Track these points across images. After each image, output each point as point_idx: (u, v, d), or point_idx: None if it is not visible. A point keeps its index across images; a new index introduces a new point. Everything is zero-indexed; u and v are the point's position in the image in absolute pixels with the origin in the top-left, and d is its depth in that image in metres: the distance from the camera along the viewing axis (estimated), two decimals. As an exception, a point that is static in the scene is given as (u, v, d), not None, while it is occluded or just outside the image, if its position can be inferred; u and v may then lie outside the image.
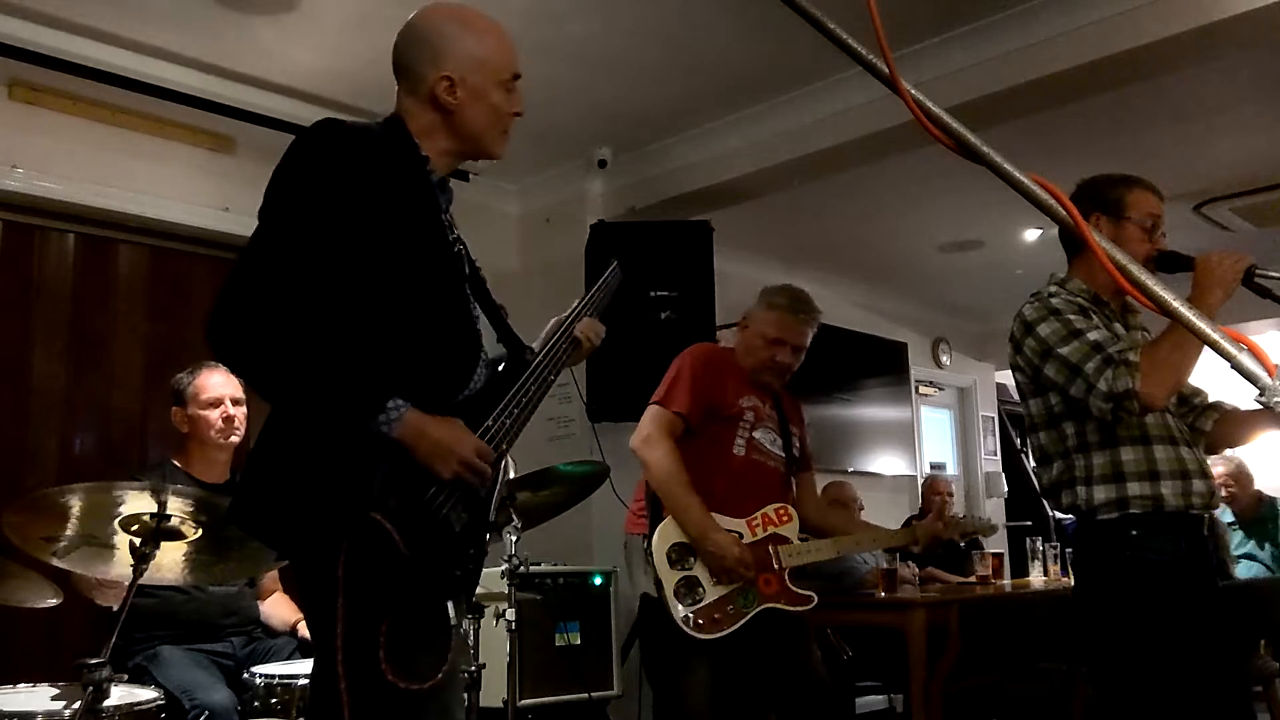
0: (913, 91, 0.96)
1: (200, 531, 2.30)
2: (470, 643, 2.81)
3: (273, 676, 2.62)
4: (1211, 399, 2.47)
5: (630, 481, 3.59)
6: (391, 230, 1.57)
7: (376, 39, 3.31)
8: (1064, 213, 0.93)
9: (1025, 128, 3.89)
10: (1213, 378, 2.01)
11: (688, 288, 4.31)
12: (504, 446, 1.68)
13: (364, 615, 1.48)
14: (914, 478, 6.95)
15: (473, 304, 1.74)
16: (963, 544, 5.48)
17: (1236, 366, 0.85)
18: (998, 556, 5.06)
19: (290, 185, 1.56)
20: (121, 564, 2.23)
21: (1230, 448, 2.50)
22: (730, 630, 2.86)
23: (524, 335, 1.89)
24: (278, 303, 1.49)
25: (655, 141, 4.55)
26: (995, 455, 8.15)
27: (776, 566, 2.97)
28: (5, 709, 2.23)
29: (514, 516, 2.87)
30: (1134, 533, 2.21)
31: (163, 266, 4.02)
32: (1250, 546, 5.11)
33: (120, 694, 2.30)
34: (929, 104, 0.97)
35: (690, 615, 2.84)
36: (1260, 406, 0.84)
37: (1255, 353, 0.84)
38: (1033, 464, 2.56)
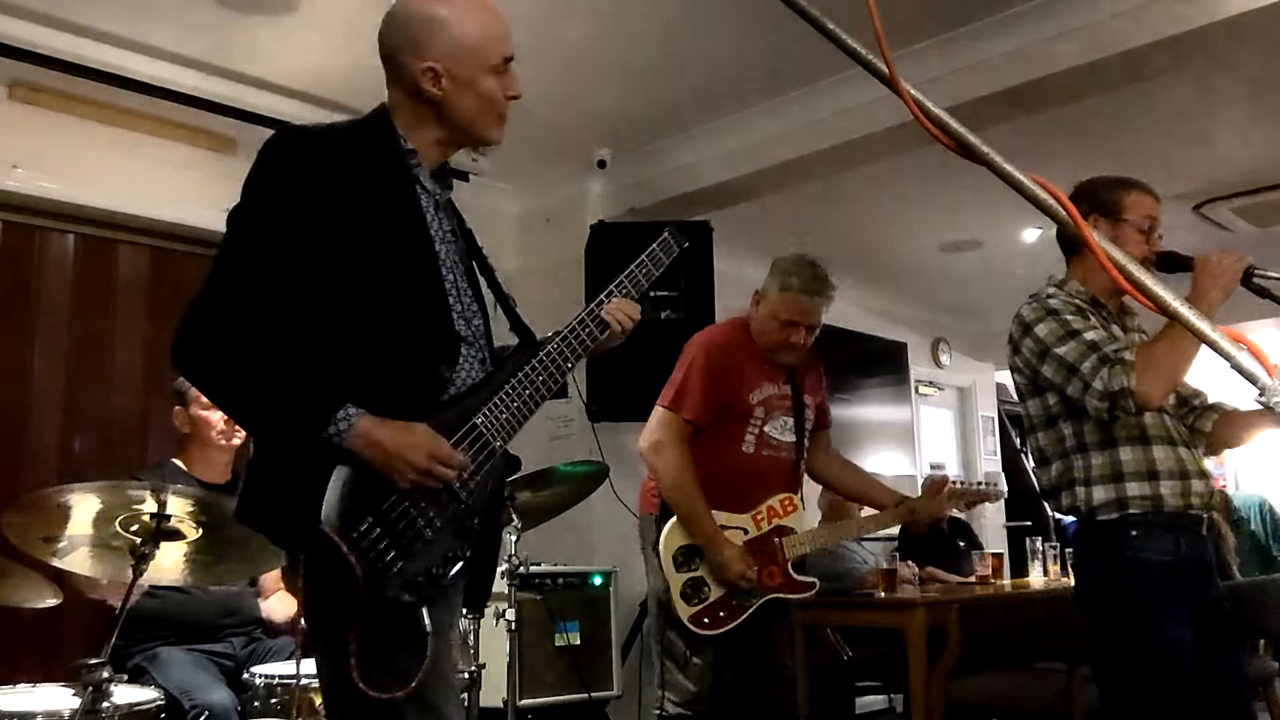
0: (913, 91, 0.96)
1: (200, 531, 2.30)
2: (470, 643, 2.82)
3: (273, 676, 2.62)
4: (1211, 400, 2.47)
5: (630, 481, 3.59)
6: (350, 232, 1.54)
7: (376, 39, 3.29)
8: (1063, 213, 0.93)
9: (1025, 128, 3.89)
10: (1212, 379, 2.02)
11: (688, 288, 4.31)
12: (496, 442, 1.63)
13: (327, 625, 1.50)
14: (914, 478, 6.95)
15: (461, 295, 1.68)
16: (962, 544, 5.49)
17: (1236, 366, 0.85)
18: (998, 556, 5.06)
19: (242, 203, 1.57)
20: (121, 564, 2.23)
21: (1230, 448, 2.50)
22: (734, 625, 2.89)
23: (524, 336, 1.86)
24: (225, 324, 1.50)
25: (655, 141, 4.54)
26: (995, 455, 8.15)
27: (781, 558, 2.98)
28: (5, 709, 2.24)
29: (514, 516, 2.88)
30: (1134, 533, 2.21)
31: (163, 267, 4.02)
32: None
33: (120, 694, 2.30)
34: (929, 104, 0.97)
35: (696, 614, 2.87)
36: (1260, 406, 0.84)
37: (1254, 353, 0.84)
38: (1032, 465, 2.56)
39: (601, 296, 1.83)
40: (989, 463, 8.06)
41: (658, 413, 2.96)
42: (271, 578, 3.20)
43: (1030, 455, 2.50)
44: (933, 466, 7.49)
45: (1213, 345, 0.86)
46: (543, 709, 3.62)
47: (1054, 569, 5.11)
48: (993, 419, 8.23)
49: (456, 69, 1.63)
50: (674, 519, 2.92)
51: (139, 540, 2.20)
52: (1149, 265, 2.24)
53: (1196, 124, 4.31)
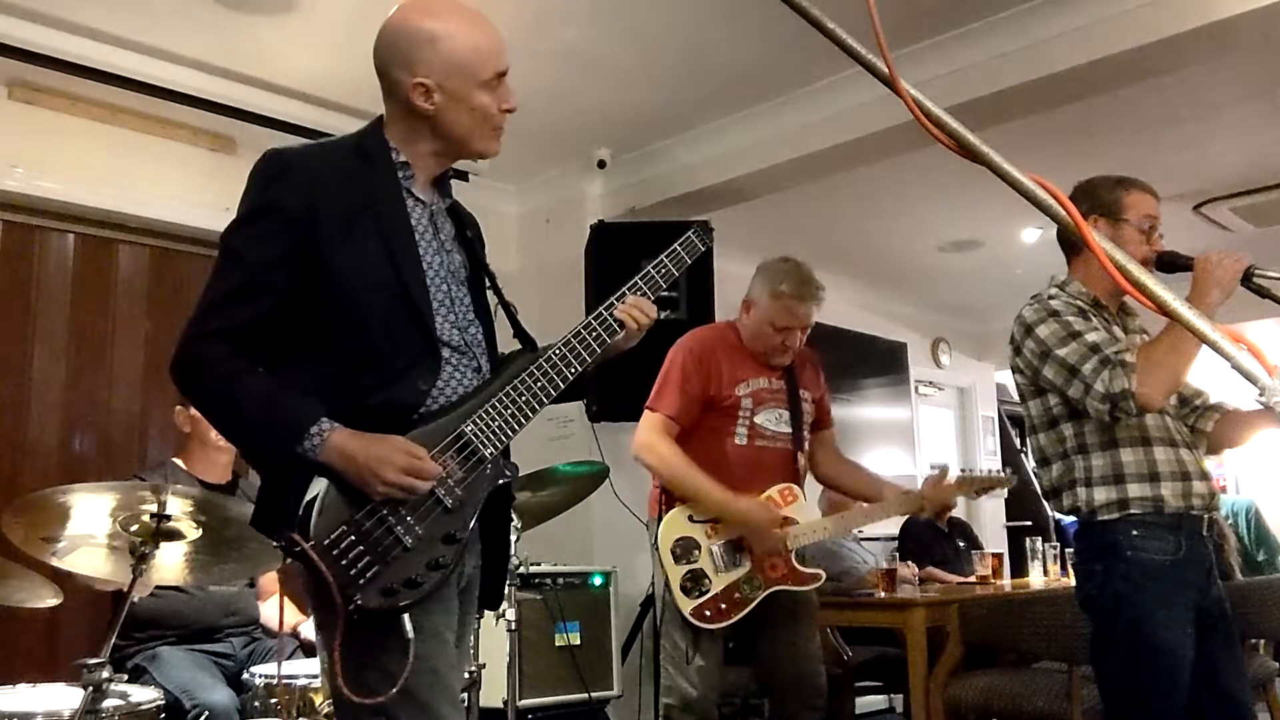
0: (912, 91, 0.96)
1: (200, 531, 2.30)
2: (470, 643, 2.81)
3: (273, 676, 2.62)
4: (1213, 400, 2.47)
5: (630, 481, 3.59)
6: (328, 248, 1.57)
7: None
8: (1063, 213, 0.93)
9: (1025, 128, 3.88)
10: (1211, 378, 2.02)
11: (688, 288, 4.31)
12: (487, 450, 1.63)
13: (320, 630, 1.59)
14: (914, 477, 6.95)
15: (455, 304, 1.68)
16: (962, 544, 5.49)
17: (1236, 366, 0.85)
18: (998, 556, 5.06)
19: (232, 222, 1.62)
20: (121, 564, 2.23)
21: (1230, 448, 2.50)
22: (738, 618, 2.89)
23: (525, 337, 1.85)
24: (208, 346, 1.55)
25: (655, 142, 4.54)
26: (995, 455, 8.15)
27: (784, 549, 2.96)
28: (5, 709, 2.24)
29: (514, 516, 2.88)
30: (1134, 533, 2.21)
31: (163, 267, 4.02)
32: None
33: (120, 694, 2.30)
34: (929, 104, 0.97)
35: (697, 608, 2.87)
36: (1260, 406, 0.84)
37: (1254, 353, 0.84)
38: (1033, 465, 2.56)
39: (622, 292, 1.80)
40: (989, 462, 8.05)
41: (644, 416, 3.00)
42: (270, 579, 3.20)
43: (1031, 455, 2.50)
44: (933, 466, 7.47)
45: (1213, 345, 0.85)
46: (543, 709, 3.62)
47: (1054, 569, 5.10)
48: (993, 419, 8.23)
49: (448, 84, 1.63)
50: (670, 513, 2.92)
51: (139, 540, 2.20)
52: (1149, 265, 2.23)
53: (1196, 124, 4.31)
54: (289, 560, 1.54)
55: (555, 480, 3.12)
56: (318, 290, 1.57)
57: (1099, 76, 3.48)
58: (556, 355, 1.73)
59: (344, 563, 1.49)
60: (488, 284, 1.79)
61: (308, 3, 3.35)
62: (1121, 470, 2.24)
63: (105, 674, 2.06)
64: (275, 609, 3.17)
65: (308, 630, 3.00)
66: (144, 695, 2.43)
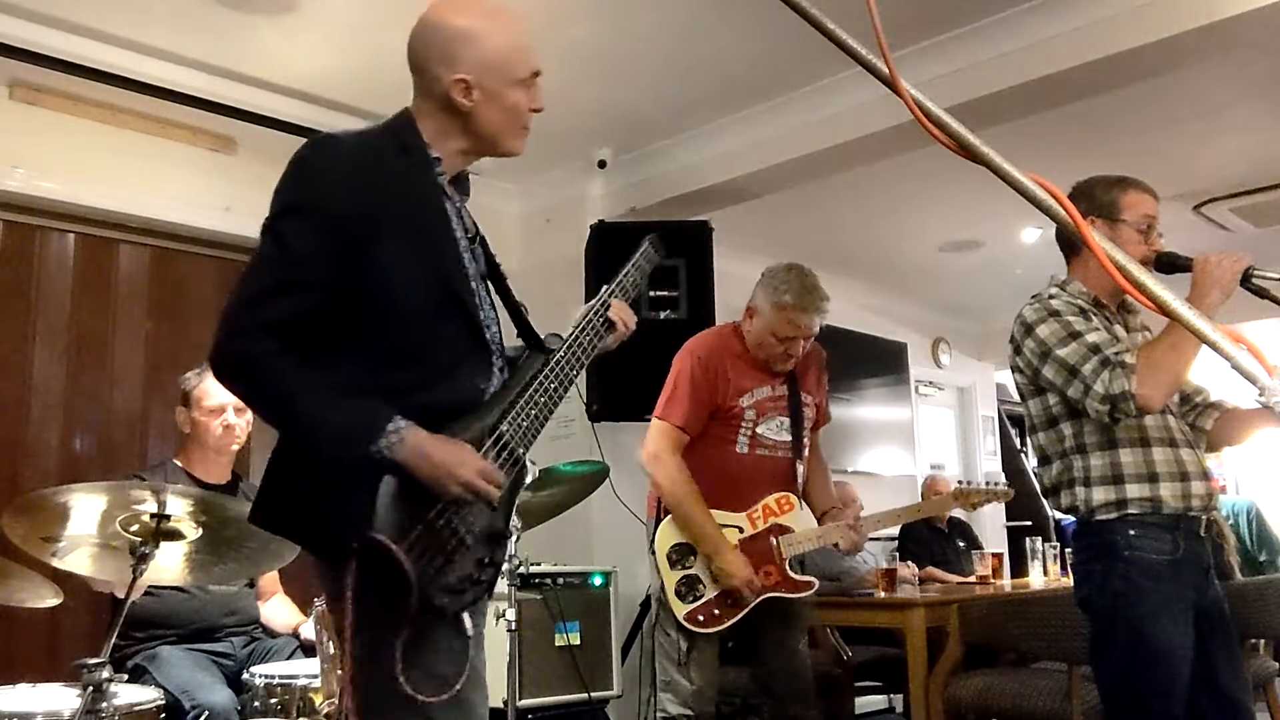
0: (913, 91, 0.96)
1: (200, 531, 2.30)
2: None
3: (273, 676, 2.62)
4: (1213, 398, 2.47)
5: (630, 481, 3.59)
6: (388, 241, 1.54)
7: (377, 39, 3.30)
8: (1063, 213, 0.93)
9: (1025, 128, 3.89)
10: (1211, 378, 2.02)
11: (688, 288, 4.31)
12: (520, 451, 1.65)
13: (376, 630, 1.48)
14: (914, 477, 6.95)
15: (481, 303, 1.69)
16: (962, 544, 5.50)
17: (1236, 366, 0.85)
18: (998, 556, 5.06)
19: (280, 207, 1.56)
20: (121, 564, 2.23)
21: (1229, 446, 2.50)
22: (732, 623, 2.90)
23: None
24: (263, 337, 1.49)
25: (655, 142, 4.55)
26: (995, 455, 8.15)
27: (778, 557, 2.98)
28: (5, 709, 2.24)
29: (514, 516, 2.88)
30: (1132, 532, 2.21)
31: (163, 267, 4.02)
32: None
33: (120, 694, 2.30)
34: (929, 104, 0.97)
35: (691, 612, 2.89)
36: (1260, 406, 0.85)
37: (1254, 353, 0.85)
38: (1033, 464, 2.56)
39: (603, 297, 1.85)
40: (989, 462, 8.05)
41: (653, 424, 3.00)
42: (269, 579, 3.20)
43: (1032, 454, 2.50)
44: (933, 466, 7.49)
45: (1213, 346, 0.86)
46: (543, 709, 3.62)
47: (1054, 569, 5.11)
48: (993, 419, 8.23)
49: (486, 82, 1.64)
50: (668, 517, 2.95)
51: (139, 540, 2.20)
52: (1148, 266, 2.23)
53: (1196, 124, 4.32)
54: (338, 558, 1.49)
55: (555, 480, 3.12)
56: (363, 287, 1.54)
57: (1099, 76, 3.48)
58: (565, 356, 1.76)
59: (422, 561, 1.49)
60: (494, 284, 1.79)
61: (308, 3, 3.35)
62: (1120, 470, 2.24)
63: (105, 674, 2.06)
64: (275, 610, 3.17)
65: (308, 630, 3.00)
66: (144, 695, 2.43)
